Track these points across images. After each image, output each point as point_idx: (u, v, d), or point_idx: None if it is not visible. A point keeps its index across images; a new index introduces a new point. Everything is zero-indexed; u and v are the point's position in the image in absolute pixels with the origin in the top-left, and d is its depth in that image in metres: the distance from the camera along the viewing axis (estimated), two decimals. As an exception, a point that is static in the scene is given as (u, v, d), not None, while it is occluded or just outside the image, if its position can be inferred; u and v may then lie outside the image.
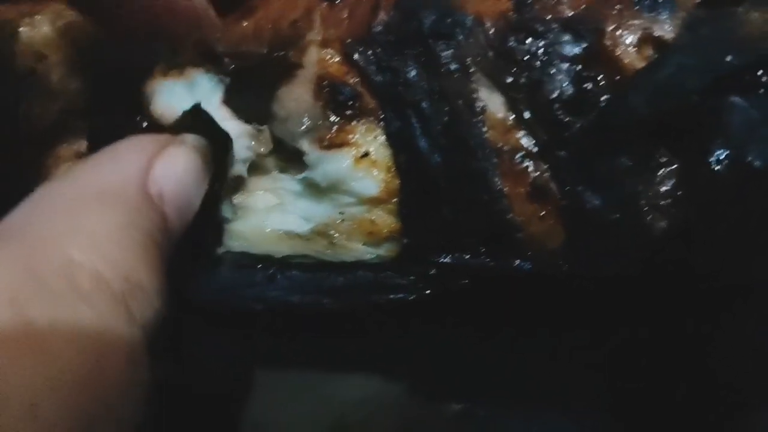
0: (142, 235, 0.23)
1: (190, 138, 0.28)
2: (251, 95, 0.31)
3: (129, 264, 0.21)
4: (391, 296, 0.32)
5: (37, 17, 0.34)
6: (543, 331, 0.36)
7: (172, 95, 0.30)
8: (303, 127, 0.29)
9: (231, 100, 0.31)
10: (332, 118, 0.29)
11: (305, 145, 0.29)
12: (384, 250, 0.31)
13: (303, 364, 0.39)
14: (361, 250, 0.31)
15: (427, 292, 0.32)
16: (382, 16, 0.29)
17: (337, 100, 0.29)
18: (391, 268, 0.32)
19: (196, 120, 0.29)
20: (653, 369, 0.37)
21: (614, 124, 0.26)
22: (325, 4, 0.31)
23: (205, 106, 0.30)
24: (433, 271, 0.31)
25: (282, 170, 0.32)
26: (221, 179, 0.30)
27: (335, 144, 0.29)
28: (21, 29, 0.34)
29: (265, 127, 0.30)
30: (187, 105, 0.29)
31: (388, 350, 0.38)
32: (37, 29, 0.34)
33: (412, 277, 0.32)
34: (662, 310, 0.35)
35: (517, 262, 0.29)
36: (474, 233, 0.29)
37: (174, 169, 0.26)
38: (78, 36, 0.33)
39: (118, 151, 0.26)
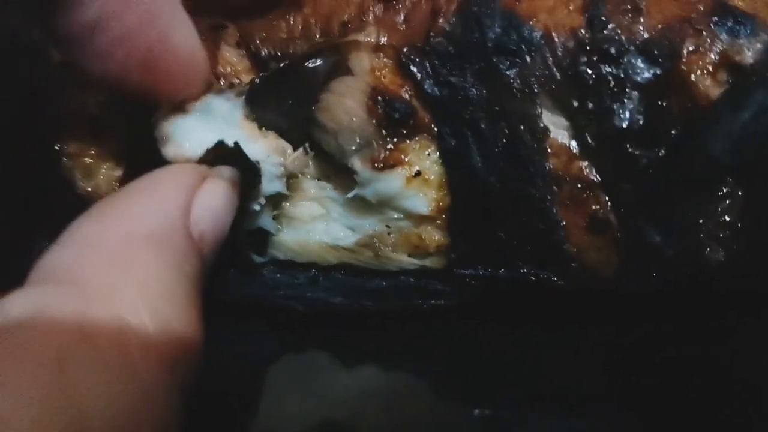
0: (189, 285, 0.22)
1: (226, 171, 0.27)
2: (289, 102, 0.29)
3: (180, 324, 0.21)
4: (433, 301, 0.32)
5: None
6: (569, 326, 0.36)
7: (184, 133, 0.28)
8: (354, 146, 0.28)
9: (257, 114, 0.29)
10: (387, 138, 0.28)
11: (357, 164, 0.28)
12: (429, 262, 0.31)
13: (320, 360, 0.39)
14: (406, 261, 0.31)
15: (470, 298, 0.32)
16: (442, 23, 0.27)
17: (392, 118, 0.27)
18: (435, 275, 0.31)
19: (221, 150, 0.27)
20: (668, 365, 0.37)
21: (687, 166, 0.25)
22: (380, 4, 0.29)
23: (226, 128, 0.28)
24: (476, 282, 0.31)
25: (326, 179, 0.31)
26: (246, 207, 0.28)
27: (388, 165, 0.28)
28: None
29: (308, 153, 0.29)
30: (204, 136, 0.27)
31: (407, 347, 0.38)
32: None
33: (455, 285, 0.32)
34: (690, 306, 0.34)
35: (565, 282, 0.29)
36: (526, 257, 0.28)
37: (213, 206, 0.25)
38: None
39: (159, 184, 0.25)
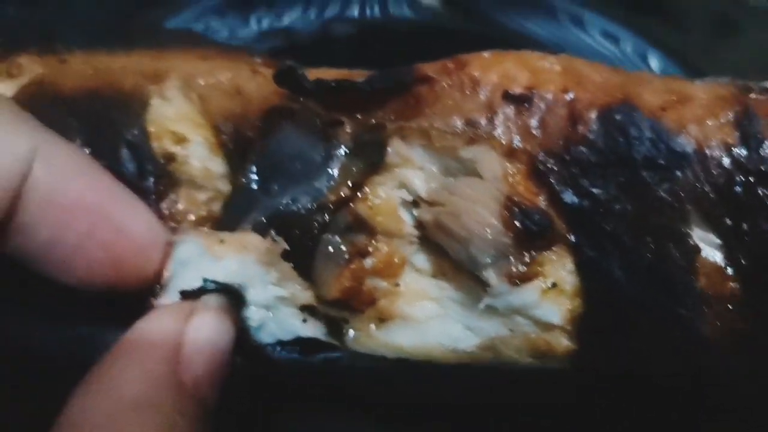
0: None
1: (211, 300, 0.27)
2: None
3: None
4: (550, 397, 0.32)
5: (167, 84, 0.30)
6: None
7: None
8: (489, 259, 0.26)
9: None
10: (524, 252, 0.26)
11: (492, 278, 0.26)
12: (554, 364, 0.30)
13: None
14: (529, 363, 0.30)
15: (592, 398, 0.31)
16: (583, 131, 0.26)
17: (530, 230, 0.26)
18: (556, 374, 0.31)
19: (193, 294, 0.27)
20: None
21: None
22: (512, 106, 0.27)
23: (203, 262, 0.27)
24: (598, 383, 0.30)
25: (442, 277, 0.30)
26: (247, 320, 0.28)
27: (525, 279, 0.27)
28: (152, 101, 0.30)
29: (275, 241, 0.28)
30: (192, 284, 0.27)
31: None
32: (170, 101, 0.30)
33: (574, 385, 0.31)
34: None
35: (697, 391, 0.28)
36: (661, 368, 0.27)
37: (203, 342, 0.25)
38: (218, 108, 0.30)
39: (142, 341, 0.24)
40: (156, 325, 0.25)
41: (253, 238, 0.28)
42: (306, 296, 0.29)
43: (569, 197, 0.26)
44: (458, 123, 0.28)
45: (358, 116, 0.29)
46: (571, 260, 0.27)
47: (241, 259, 0.28)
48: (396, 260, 0.29)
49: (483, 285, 0.27)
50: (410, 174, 0.29)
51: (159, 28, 0.38)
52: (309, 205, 0.28)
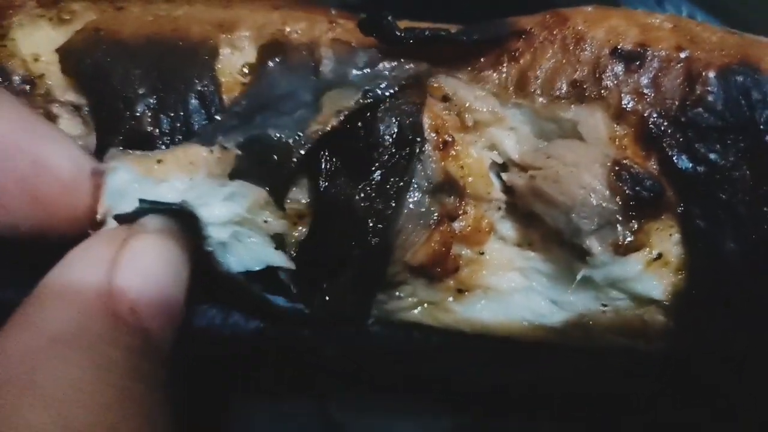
0: (119, 378, 0.19)
1: (151, 222, 0.23)
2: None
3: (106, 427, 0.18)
4: (632, 382, 0.30)
5: (239, 34, 0.28)
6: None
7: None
8: (593, 226, 0.25)
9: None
10: (631, 220, 0.25)
11: (595, 246, 0.25)
12: (645, 345, 0.28)
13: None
14: (619, 343, 0.28)
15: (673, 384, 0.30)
16: (701, 91, 0.24)
17: (641, 197, 0.24)
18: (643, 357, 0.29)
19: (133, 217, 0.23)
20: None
21: None
22: (621, 63, 0.25)
23: (140, 187, 0.24)
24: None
25: (528, 246, 0.28)
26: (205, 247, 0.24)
27: (631, 248, 0.25)
28: (222, 51, 0.28)
29: (226, 148, 0.25)
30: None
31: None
32: (242, 51, 0.28)
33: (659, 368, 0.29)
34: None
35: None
36: (753, 347, 0.26)
37: (141, 267, 0.21)
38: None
39: (69, 274, 0.21)
40: (84, 254, 0.22)
41: (198, 150, 0.25)
42: (279, 225, 0.26)
43: (683, 162, 0.24)
44: (561, 81, 0.26)
45: (447, 72, 0.27)
46: (678, 230, 0.25)
47: (189, 176, 0.25)
48: (484, 226, 0.27)
49: (579, 255, 0.26)
50: (501, 134, 0.27)
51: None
52: (290, 132, 0.25)
